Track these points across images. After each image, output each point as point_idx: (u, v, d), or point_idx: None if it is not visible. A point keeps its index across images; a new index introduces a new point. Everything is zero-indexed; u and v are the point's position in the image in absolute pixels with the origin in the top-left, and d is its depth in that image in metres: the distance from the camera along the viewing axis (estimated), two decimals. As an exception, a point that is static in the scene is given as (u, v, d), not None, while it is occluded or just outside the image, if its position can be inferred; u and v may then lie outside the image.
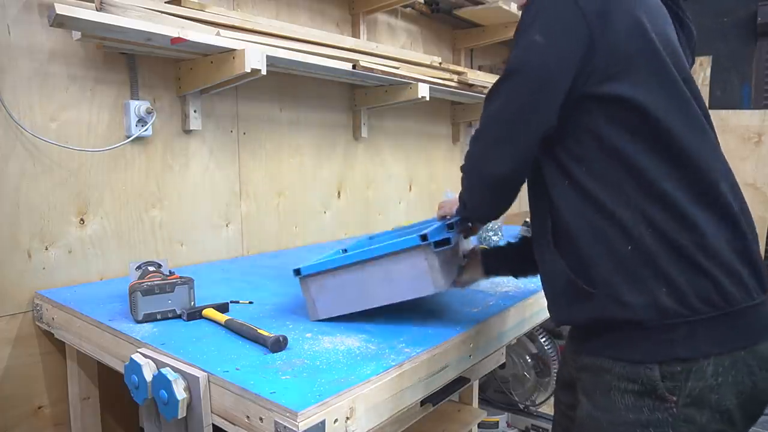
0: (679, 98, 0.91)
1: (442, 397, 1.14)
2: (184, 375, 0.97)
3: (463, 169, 1.06)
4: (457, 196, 1.16)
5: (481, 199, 1.06)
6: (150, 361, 1.02)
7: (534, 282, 1.35)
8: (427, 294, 1.16)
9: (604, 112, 0.90)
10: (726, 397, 0.87)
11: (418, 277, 1.15)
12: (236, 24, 1.76)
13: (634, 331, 0.90)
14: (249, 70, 1.61)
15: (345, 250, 1.43)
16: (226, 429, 0.94)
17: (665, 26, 0.97)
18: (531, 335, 2.37)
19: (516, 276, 1.31)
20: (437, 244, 1.12)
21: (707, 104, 3.92)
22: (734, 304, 0.88)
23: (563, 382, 1.20)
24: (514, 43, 0.95)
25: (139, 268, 1.37)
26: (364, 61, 2.10)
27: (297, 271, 1.23)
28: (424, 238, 1.11)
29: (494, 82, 0.96)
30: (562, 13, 0.88)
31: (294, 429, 0.80)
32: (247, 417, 0.88)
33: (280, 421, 0.82)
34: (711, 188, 0.92)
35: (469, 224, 1.30)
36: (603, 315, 0.92)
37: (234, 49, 1.63)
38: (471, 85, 2.67)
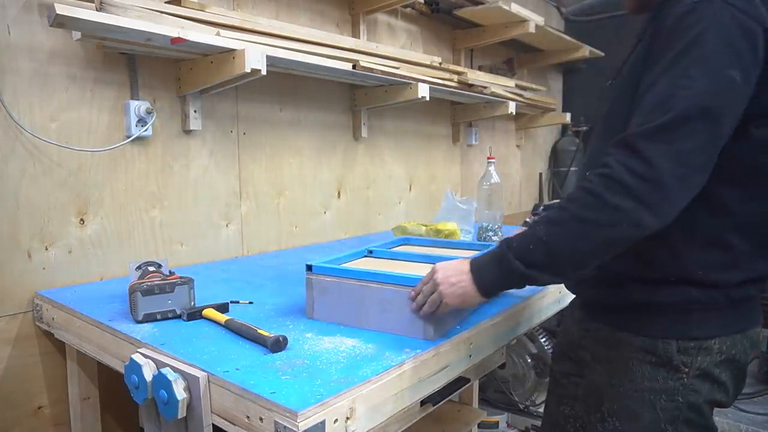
0: None
1: (442, 397, 1.14)
2: (184, 375, 0.97)
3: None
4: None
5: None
6: (150, 361, 1.02)
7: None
8: (416, 337, 1.11)
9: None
10: (724, 372, 1.03)
11: (410, 319, 1.11)
12: (236, 24, 1.76)
13: (658, 311, 1.02)
14: (249, 70, 1.61)
15: (371, 251, 1.43)
16: (226, 429, 0.94)
17: None
18: (531, 335, 2.37)
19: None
20: None
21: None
22: (738, 295, 1.01)
23: (562, 352, 1.23)
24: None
25: (139, 268, 1.37)
26: (364, 61, 2.10)
27: (309, 267, 1.23)
28: None
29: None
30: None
31: (294, 429, 0.80)
32: (247, 417, 0.88)
33: (280, 421, 0.82)
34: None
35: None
36: (629, 298, 1.04)
37: (234, 49, 1.63)
38: (471, 85, 2.67)
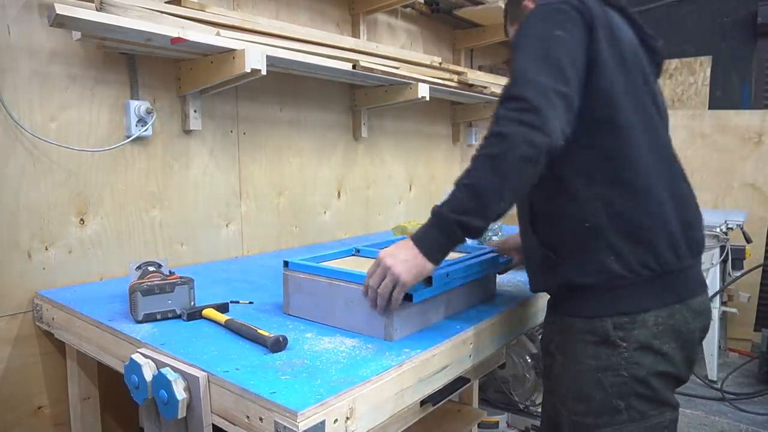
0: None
1: (442, 397, 1.14)
2: (184, 375, 0.97)
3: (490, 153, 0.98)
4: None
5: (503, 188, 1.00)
6: (150, 361, 1.02)
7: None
8: (377, 337, 1.11)
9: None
10: (665, 342, 1.09)
11: (372, 319, 1.12)
12: (236, 24, 1.76)
13: (590, 292, 1.11)
14: (249, 70, 1.61)
15: (358, 251, 1.44)
16: (226, 429, 0.94)
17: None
18: (531, 335, 2.37)
19: None
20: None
21: (707, 104, 3.92)
22: (667, 267, 1.08)
23: (543, 349, 1.29)
24: None
25: (139, 268, 1.37)
26: (364, 61, 2.10)
27: (286, 264, 1.26)
28: None
29: None
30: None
31: (294, 429, 0.80)
32: (247, 417, 0.88)
33: (280, 421, 0.82)
34: (664, 174, 1.11)
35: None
36: (566, 280, 1.13)
37: (234, 49, 1.63)
38: (471, 85, 2.67)
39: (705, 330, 1.16)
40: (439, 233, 1.02)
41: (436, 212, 1.03)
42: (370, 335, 1.13)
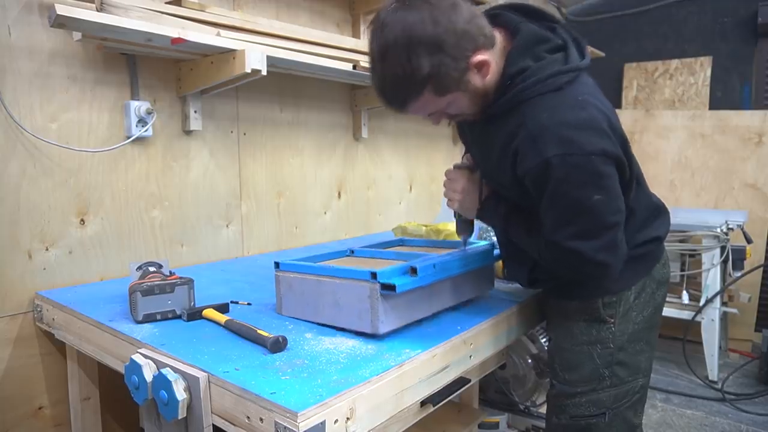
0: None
1: (443, 397, 1.14)
2: (185, 375, 0.97)
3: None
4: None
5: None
6: (150, 362, 1.02)
7: (534, 282, 1.36)
8: (367, 332, 1.12)
9: None
10: (640, 311, 1.28)
11: (360, 313, 1.12)
12: (236, 24, 1.76)
13: (584, 278, 1.24)
14: (249, 71, 1.61)
15: (352, 251, 1.44)
16: (226, 429, 0.94)
17: None
18: (531, 335, 2.36)
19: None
20: (385, 286, 1.08)
21: (708, 105, 3.92)
22: (642, 249, 1.26)
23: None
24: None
25: (139, 268, 1.37)
26: (365, 61, 2.10)
27: (277, 264, 1.27)
28: (374, 276, 1.08)
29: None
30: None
31: (294, 429, 0.80)
32: (248, 417, 0.88)
33: (281, 422, 0.82)
34: (645, 197, 1.31)
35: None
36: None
37: (234, 50, 1.63)
38: (471, 86, 2.67)
39: (665, 297, 1.37)
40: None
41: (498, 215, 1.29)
42: (358, 329, 1.13)
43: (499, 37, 1.11)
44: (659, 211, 1.33)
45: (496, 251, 1.44)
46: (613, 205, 1.09)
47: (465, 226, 1.39)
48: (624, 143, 1.12)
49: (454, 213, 1.41)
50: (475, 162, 1.35)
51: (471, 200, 1.32)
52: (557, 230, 1.10)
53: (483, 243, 1.44)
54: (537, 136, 1.05)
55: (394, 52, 1.00)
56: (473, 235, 1.41)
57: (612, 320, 1.26)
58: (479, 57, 1.05)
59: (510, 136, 1.11)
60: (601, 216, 1.08)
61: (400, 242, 1.62)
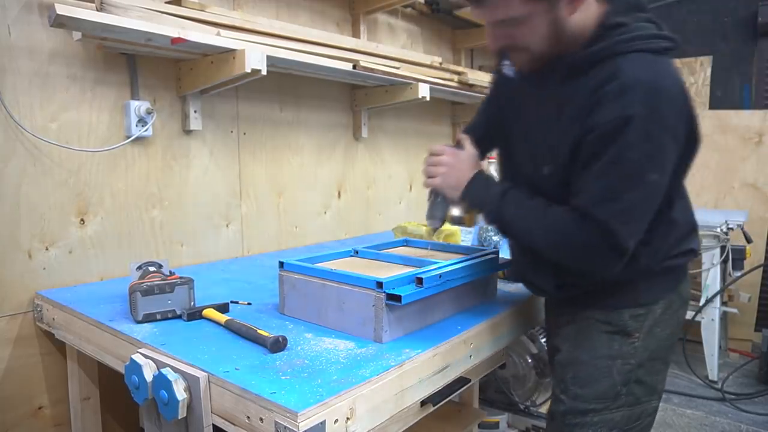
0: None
1: (443, 397, 1.14)
2: (185, 375, 0.97)
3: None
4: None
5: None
6: (150, 362, 1.02)
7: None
8: (367, 338, 1.11)
9: None
10: (665, 328, 1.18)
11: (364, 321, 1.11)
12: (236, 24, 1.76)
13: (611, 285, 1.15)
14: (249, 71, 1.61)
15: (356, 252, 1.44)
16: (226, 429, 0.94)
17: None
18: (531, 335, 2.36)
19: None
20: (390, 296, 1.07)
21: (708, 104, 3.91)
22: (674, 261, 1.17)
23: (548, 340, 1.36)
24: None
25: (139, 268, 1.37)
26: (365, 61, 2.10)
27: (281, 264, 1.27)
28: (379, 285, 1.07)
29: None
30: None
31: (294, 429, 0.80)
32: (248, 417, 0.88)
33: (281, 422, 0.82)
34: (689, 212, 1.22)
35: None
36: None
37: (234, 50, 1.63)
38: (471, 85, 2.67)
39: (685, 316, 1.28)
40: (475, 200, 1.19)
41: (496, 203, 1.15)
42: (360, 336, 1.12)
43: None
44: (695, 229, 1.24)
45: (505, 255, 1.39)
46: (660, 191, 1.03)
47: (438, 211, 1.22)
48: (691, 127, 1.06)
49: (429, 194, 1.24)
50: (522, 128, 1.20)
51: (457, 176, 1.18)
52: (602, 203, 1.00)
53: (487, 249, 1.42)
54: (628, 88, 0.96)
55: None
56: (444, 223, 1.27)
57: (637, 334, 1.16)
58: None
59: (598, 85, 1.01)
60: (650, 198, 1.02)
61: (405, 243, 1.62)
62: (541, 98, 1.13)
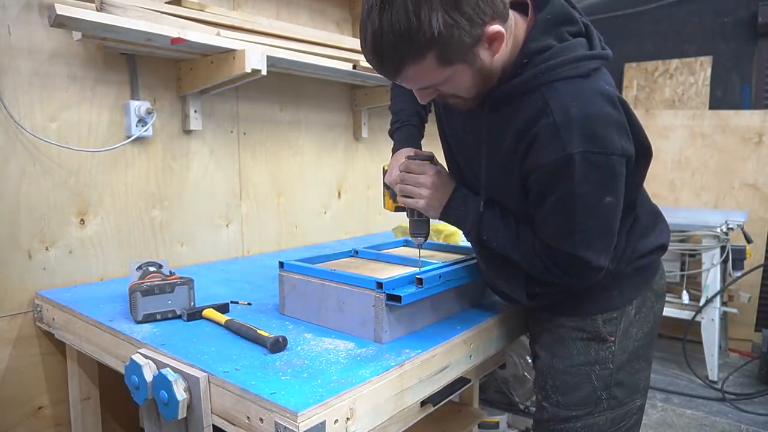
0: None
1: (443, 397, 1.14)
2: (185, 375, 0.97)
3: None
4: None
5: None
6: (150, 362, 1.02)
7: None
8: (368, 339, 1.11)
9: None
10: (642, 326, 1.19)
11: (363, 321, 1.12)
12: (236, 24, 1.76)
13: (583, 292, 1.14)
14: (249, 71, 1.61)
15: (356, 252, 1.44)
16: (226, 429, 0.94)
17: None
18: (531, 335, 2.36)
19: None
20: (390, 297, 1.07)
21: (708, 105, 3.90)
22: (645, 261, 1.17)
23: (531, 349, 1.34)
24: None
25: (139, 268, 1.37)
26: (365, 61, 2.09)
27: (281, 264, 1.27)
28: (379, 285, 1.07)
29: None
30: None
31: (294, 429, 0.80)
32: (248, 417, 0.88)
33: (281, 422, 0.82)
34: (648, 203, 1.23)
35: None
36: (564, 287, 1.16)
37: (234, 50, 1.63)
38: (471, 86, 2.66)
39: (662, 310, 1.27)
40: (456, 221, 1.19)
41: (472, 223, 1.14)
42: (360, 336, 1.12)
43: (512, 13, 0.98)
44: (659, 217, 1.24)
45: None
46: (618, 208, 1.02)
47: (422, 229, 1.22)
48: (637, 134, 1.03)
49: (408, 212, 1.23)
50: (461, 155, 1.21)
51: (440, 198, 1.16)
52: (563, 237, 1.01)
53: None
54: (561, 126, 0.93)
55: (402, 0, 0.84)
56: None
57: (612, 338, 1.16)
58: (495, 27, 0.89)
59: (528, 123, 0.97)
60: (609, 219, 1.01)
61: (405, 243, 1.62)
62: (471, 128, 1.12)
